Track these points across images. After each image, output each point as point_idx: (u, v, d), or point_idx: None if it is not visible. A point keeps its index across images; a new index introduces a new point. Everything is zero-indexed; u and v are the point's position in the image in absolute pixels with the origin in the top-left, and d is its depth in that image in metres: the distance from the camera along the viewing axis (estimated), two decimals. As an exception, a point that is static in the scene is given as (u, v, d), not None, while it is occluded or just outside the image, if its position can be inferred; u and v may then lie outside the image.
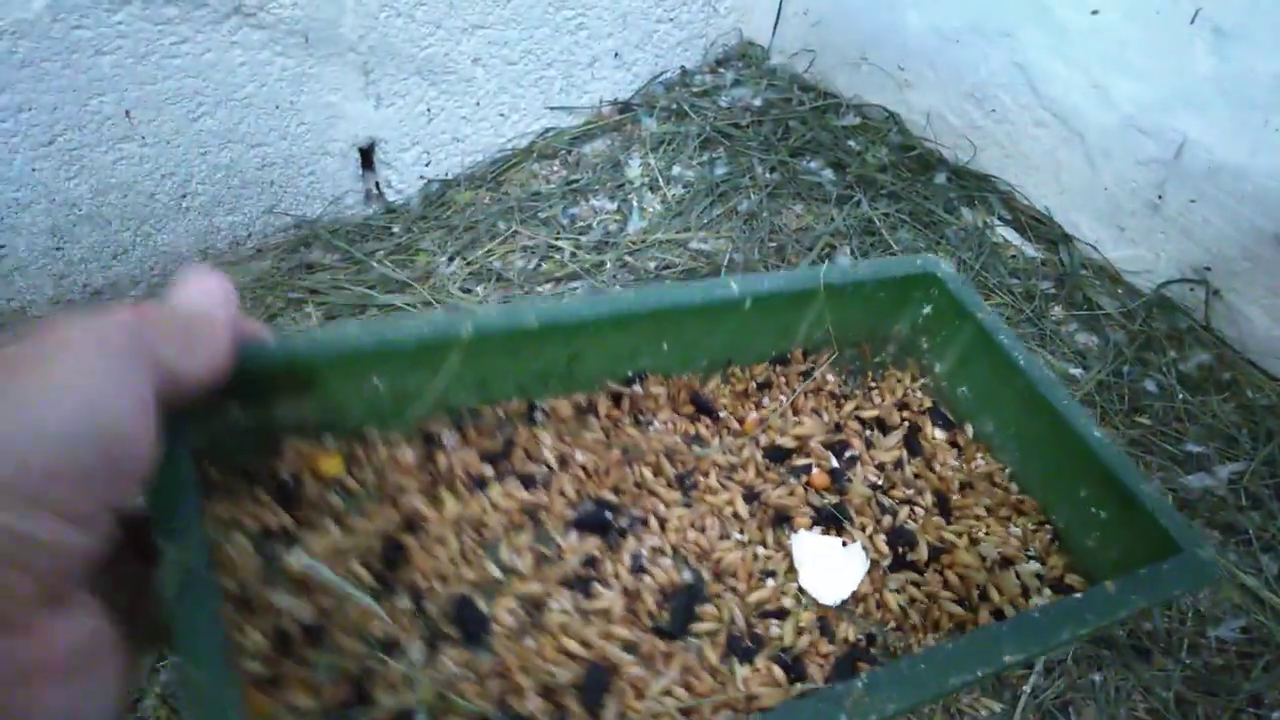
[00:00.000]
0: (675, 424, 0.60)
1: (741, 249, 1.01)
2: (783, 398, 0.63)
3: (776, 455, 0.61)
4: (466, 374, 0.50)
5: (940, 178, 1.11)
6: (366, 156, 1.05)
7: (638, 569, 0.51)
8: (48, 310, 0.91)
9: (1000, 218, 1.08)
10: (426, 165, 1.09)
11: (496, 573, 0.48)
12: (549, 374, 0.55)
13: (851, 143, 1.16)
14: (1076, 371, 0.90)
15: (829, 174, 1.13)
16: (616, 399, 0.59)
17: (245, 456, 0.47)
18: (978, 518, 0.59)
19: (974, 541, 0.58)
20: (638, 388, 0.59)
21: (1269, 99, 0.83)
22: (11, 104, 0.78)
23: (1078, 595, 0.49)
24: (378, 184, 1.08)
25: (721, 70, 1.28)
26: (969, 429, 0.63)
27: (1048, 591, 0.53)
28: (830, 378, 0.66)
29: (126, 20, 0.80)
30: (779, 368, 0.66)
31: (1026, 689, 0.65)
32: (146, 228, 0.93)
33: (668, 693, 0.46)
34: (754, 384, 0.64)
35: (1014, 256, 1.04)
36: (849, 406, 0.64)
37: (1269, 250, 0.86)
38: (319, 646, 0.41)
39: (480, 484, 0.52)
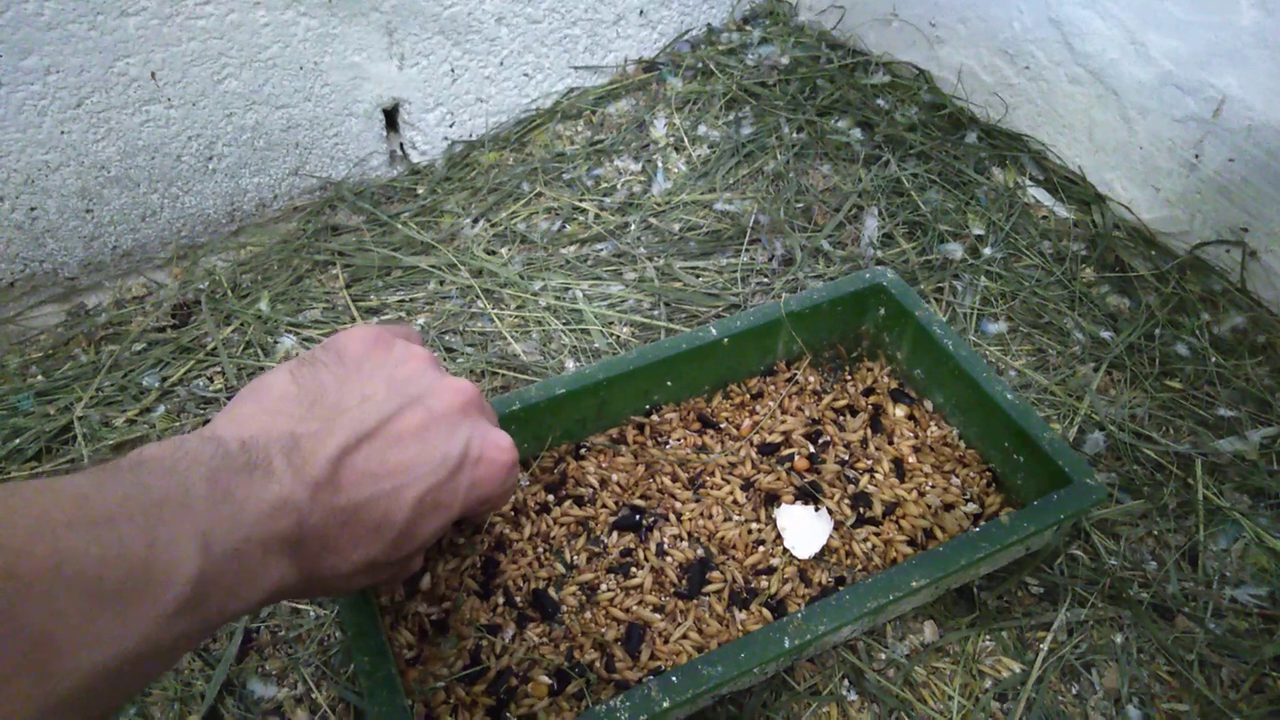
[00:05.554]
0: (686, 439, 0.73)
1: (767, 210, 1.00)
2: (771, 403, 0.76)
3: (767, 449, 0.74)
4: (525, 432, 0.66)
5: (971, 137, 1.09)
6: (390, 118, 1.05)
7: (662, 553, 0.66)
8: (78, 272, 0.93)
9: (1032, 178, 1.06)
10: (450, 126, 1.09)
11: (562, 570, 0.64)
12: (585, 420, 0.71)
13: (880, 101, 1.14)
14: (1107, 334, 0.89)
15: (857, 133, 1.11)
16: (640, 427, 0.74)
17: None
18: (926, 475, 0.71)
19: (922, 494, 0.70)
20: (655, 416, 0.74)
21: (1314, 53, 0.80)
22: (39, 66, 0.79)
23: (977, 529, 0.61)
24: (402, 145, 1.08)
25: (748, 28, 1.26)
26: (927, 403, 0.76)
27: (982, 524, 0.61)
28: (811, 378, 0.80)
29: (150, -19, 0.80)
30: (768, 378, 0.79)
31: (1044, 649, 0.65)
32: (174, 189, 0.94)
33: (685, 637, 0.60)
34: (749, 395, 0.78)
35: (1045, 218, 1.02)
36: (826, 400, 0.77)
37: (1309, 210, 0.84)
38: (445, 634, 0.59)
39: (545, 508, 0.68)
